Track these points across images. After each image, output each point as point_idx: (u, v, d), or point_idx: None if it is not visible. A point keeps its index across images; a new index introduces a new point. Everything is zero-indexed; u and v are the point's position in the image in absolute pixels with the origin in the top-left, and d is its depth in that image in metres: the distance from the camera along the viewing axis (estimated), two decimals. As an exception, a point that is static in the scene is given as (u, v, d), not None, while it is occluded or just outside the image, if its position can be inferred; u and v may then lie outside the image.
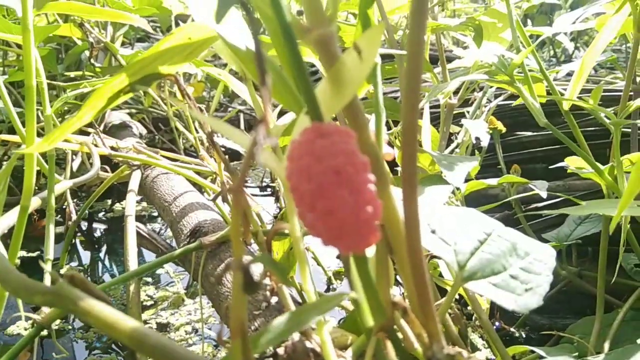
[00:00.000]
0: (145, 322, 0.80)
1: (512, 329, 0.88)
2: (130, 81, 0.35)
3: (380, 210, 0.25)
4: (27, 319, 0.80)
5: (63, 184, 0.66)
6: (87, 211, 1.09)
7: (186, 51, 0.36)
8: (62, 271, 0.95)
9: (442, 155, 0.54)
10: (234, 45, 0.36)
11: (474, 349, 0.61)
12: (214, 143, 0.37)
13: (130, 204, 0.81)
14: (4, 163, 1.45)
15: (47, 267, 0.58)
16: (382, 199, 0.30)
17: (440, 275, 0.67)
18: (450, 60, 1.06)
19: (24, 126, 0.47)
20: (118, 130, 1.36)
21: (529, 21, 2.55)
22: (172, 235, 0.78)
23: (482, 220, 0.37)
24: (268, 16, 0.32)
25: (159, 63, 0.36)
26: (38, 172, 0.60)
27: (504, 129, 0.99)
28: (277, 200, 1.44)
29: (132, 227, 0.76)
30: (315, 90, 0.28)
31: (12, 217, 0.39)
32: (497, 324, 0.88)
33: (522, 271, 0.34)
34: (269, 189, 1.56)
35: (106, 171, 0.95)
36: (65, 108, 1.39)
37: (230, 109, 2.10)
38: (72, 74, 1.36)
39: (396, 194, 0.31)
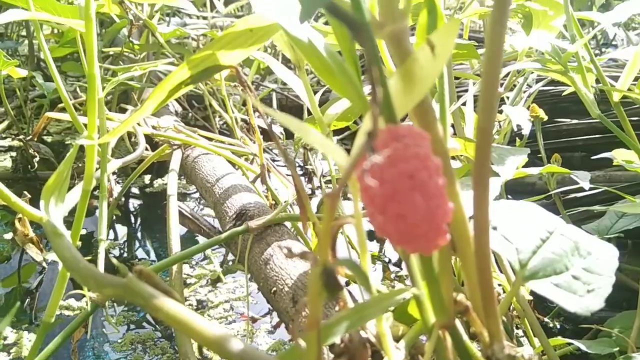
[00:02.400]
0: (185, 299, 0.81)
1: (546, 319, 0.88)
2: (192, 74, 0.36)
3: (451, 214, 0.25)
4: (79, 296, 0.82)
5: (113, 164, 0.67)
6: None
7: (248, 42, 0.36)
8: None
9: (492, 146, 0.53)
10: (295, 37, 0.36)
11: (519, 343, 0.61)
12: (272, 131, 0.37)
13: (172, 184, 0.83)
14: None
15: (101, 248, 0.60)
16: (449, 198, 0.30)
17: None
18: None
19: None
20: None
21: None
22: (216, 215, 0.79)
23: (543, 217, 0.37)
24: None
25: (221, 55, 0.36)
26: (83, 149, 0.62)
27: (545, 117, 0.97)
28: (310, 181, 1.44)
29: (174, 207, 0.77)
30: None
31: (72, 198, 0.41)
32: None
33: (584, 272, 0.33)
34: (299, 169, 1.56)
35: (147, 149, 0.96)
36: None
37: (262, 87, 2.10)
38: (110, 51, 1.37)
39: (462, 192, 0.31)
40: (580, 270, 0.34)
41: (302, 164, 1.57)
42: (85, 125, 0.57)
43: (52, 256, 0.94)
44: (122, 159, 0.73)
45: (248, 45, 0.36)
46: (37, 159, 1.17)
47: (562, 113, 1.26)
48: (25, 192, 0.93)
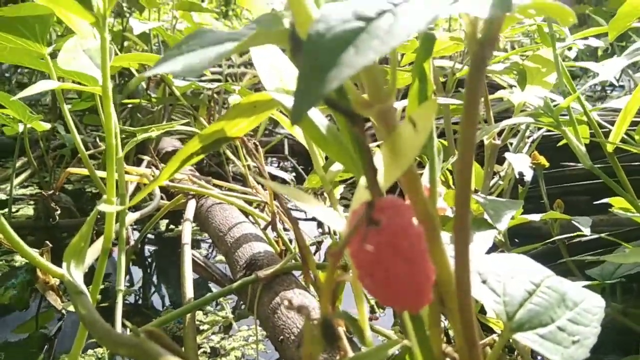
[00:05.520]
0: (198, 346, 0.84)
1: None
2: (203, 145, 0.39)
3: (433, 276, 0.28)
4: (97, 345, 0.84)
5: (130, 217, 0.71)
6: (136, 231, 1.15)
7: (252, 117, 0.40)
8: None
9: (487, 200, 0.56)
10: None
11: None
12: (286, 210, 0.40)
13: (187, 233, 0.86)
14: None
15: (119, 299, 0.63)
16: (433, 254, 0.33)
17: (482, 311, 0.69)
18: (492, 86, 1.07)
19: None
20: (170, 157, 1.42)
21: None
22: (227, 264, 0.82)
23: (531, 269, 0.40)
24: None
25: (228, 129, 0.40)
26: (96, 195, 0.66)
27: (547, 164, 0.99)
28: (320, 225, 1.47)
29: (188, 255, 0.80)
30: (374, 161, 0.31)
31: (92, 254, 0.44)
32: (539, 357, 0.88)
33: (569, 323, 0.36)
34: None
35: (162, 199, 1.00)
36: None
37: (274, 133, 2.16)
38: (129, 103, 1.43)
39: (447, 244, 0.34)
40: (566, 321, 0.36)
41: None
42: (103, 179, 0.61)
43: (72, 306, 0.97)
44: (139, 211, 0.77)
45: (253, 118, 0.39)
46: (58, 211, 1.22)
47: (567, 155, 1.28)
48: (47, 242, 0.97)
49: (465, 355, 0.32)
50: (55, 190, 1.16)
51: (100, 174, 0.95)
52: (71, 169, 0.93)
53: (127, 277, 1.15)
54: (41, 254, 0.96)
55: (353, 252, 0.28)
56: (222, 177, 1.55)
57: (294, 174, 1.82)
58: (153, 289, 1.13)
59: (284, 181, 1.55)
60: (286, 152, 1.97)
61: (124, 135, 1.41)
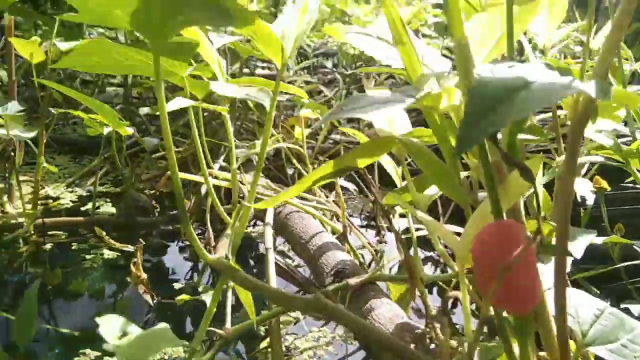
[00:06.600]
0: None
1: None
2: (335, 170, 0.48)
3: (540, 285, 0.36)
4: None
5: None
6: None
7: (375, 153, 0.48)
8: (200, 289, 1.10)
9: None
10: (409, 144, 0.47)
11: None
12: (395, 232, 0.48)
13: (268, 237, 0.94)
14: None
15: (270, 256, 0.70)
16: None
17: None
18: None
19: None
20: (243, 164, 1.52)
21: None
22: (310, 270, 0.90)
23: (592, 299, 0.48)
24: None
25: (355, 157, 0.48)
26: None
27: (608, 188, 1.03)
28: (378, 234, 1.54)
29: (272, 259, 0.88)
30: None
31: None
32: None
33: (629, 342, 0.44)
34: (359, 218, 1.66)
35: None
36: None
37: (329, 139, 2.24)
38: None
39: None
40: (627, 341, 0.44)
41: (368, 214, 1.67)
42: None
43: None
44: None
45: (376, 154, 0.47)
46: (158, 209, 1.32)
47: (629, 175, 1.31)
48: (141, 240, 1.08)
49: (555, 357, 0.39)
50: (156, 190, 1.27)
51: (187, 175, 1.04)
52: (183, 175, 1.04)
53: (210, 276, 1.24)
54: (136, 251, 1.06)
55: (477, 262, 0.36)
56: (282, 180, 1.64)
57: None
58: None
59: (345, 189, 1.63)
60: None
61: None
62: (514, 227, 0.36)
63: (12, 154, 1.22)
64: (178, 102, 0.62)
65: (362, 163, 0.48)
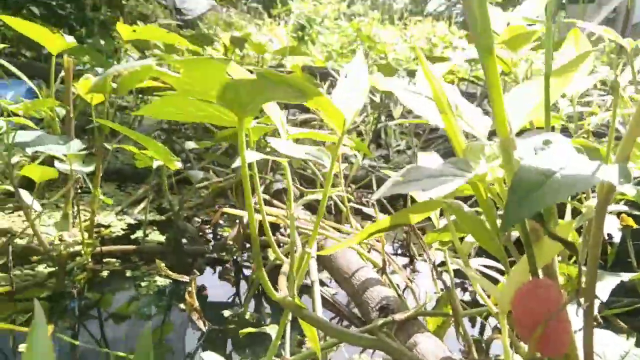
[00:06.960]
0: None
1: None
2: (391, 224, 0.55)
3: (571, 334, 0.43)
4: None
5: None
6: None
7: (424, 211, 0.56)
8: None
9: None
10: (456, 210, 0.55)
11: None
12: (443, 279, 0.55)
13: (313, 270, 1.02)
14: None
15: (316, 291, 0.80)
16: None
17: None
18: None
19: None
20: (279, 195, 1.61)
21: None
22: (355, 303, 0.97)
23: (617, 340, 0.54)
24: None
25: (408, 214, 0.56)
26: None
27: (635, 225, 1.09)
28: (411, 262, 1.61)
29: (317, 292, 0.96)
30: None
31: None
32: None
33: None
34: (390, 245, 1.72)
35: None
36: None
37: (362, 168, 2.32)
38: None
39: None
40: None
41: (402, 242, 1.74)
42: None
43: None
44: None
45: (425, 212, 0.55)
46: (212, 243, 1.41)
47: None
48: (195, 271, 1.16)
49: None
50: (211, 225, 1.37)
51: (237, 212, 1.13)
52: (226, 209, 1.13)
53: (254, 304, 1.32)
54: (191, 281, 1.15)
55: (517, 317, 0.43)
56: (311, 206, 1.73)
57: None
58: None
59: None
60: (374, 187, 2.12)
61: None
62: (551, 287, 0.43)
63: (78, 189, 1.32)
64: (252, 156, 0.71)
65: (413, 220, 0.56)
